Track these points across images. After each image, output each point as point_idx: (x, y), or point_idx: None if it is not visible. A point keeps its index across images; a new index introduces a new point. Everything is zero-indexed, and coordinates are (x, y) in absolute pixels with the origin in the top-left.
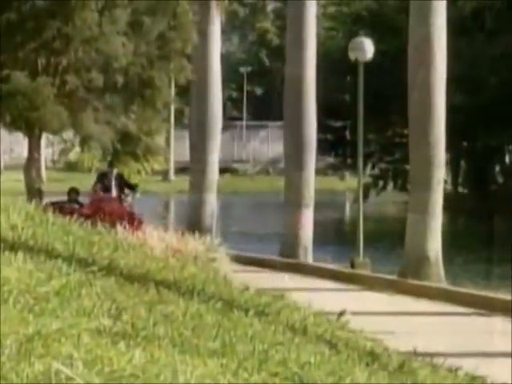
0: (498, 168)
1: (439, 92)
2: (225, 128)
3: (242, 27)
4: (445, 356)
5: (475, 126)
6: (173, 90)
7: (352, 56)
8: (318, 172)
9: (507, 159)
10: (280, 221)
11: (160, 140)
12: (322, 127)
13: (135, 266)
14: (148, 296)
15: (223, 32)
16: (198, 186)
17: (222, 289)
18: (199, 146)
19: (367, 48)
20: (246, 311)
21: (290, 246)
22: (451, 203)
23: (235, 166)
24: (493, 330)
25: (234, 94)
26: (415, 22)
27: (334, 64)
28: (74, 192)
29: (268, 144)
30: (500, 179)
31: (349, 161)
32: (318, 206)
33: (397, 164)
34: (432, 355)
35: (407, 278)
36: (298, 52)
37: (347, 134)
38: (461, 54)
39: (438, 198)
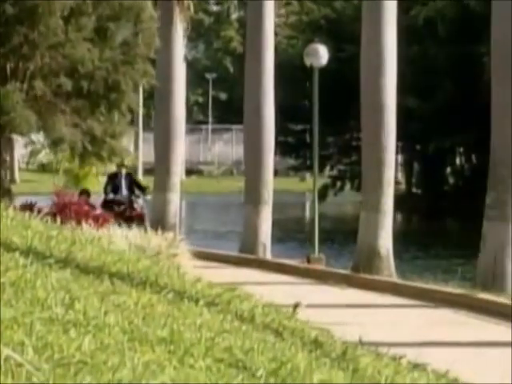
0: (449, 169)
1: (390, 97)
2: (191, 131)
3: (208, 35)
4: (391, 345)
5: (428, 130)
6: (141, 94)
7: (307, 62)
8: (280, 173)
9: (458, 161)
10: (241, 219)
11: (126, 142)
12: (283, 130)
13: (91, 259)
14: (102, 287)
15: (190, 39)
16: (162, 186)
17: (175, 281)
18: (163, 148)
19: (322, 54)
20: (197, 301)
21: (249, 242)
22: (405, 203)
23: (201, 167)
24: (438, 321)
25: (200, 99)
26: (367, 30)
27: (295, 70)
28: (84, 194)
29: (232, 146)
30: (451, 180)
31: (308, 162)
32: (280, 206)
33: (354, 166)
34: (379, 345)
35: (359, 272)
36: (256, 61)
37: (307, 136)
38: (415, 60)
39: (389, 197)
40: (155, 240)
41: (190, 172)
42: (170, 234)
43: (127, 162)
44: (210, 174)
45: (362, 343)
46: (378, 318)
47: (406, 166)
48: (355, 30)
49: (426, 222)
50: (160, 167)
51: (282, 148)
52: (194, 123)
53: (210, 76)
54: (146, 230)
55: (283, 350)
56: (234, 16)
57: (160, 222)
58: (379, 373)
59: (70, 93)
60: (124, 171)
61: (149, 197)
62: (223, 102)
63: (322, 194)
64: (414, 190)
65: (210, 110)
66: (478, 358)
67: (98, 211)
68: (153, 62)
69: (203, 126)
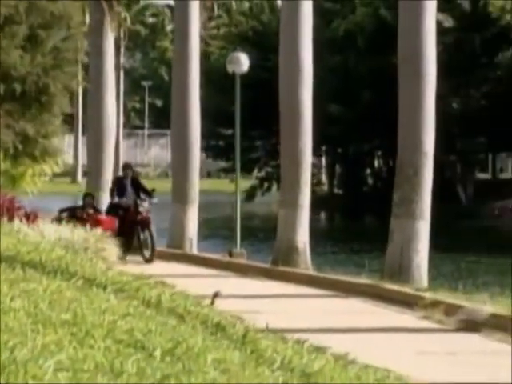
0: (368, 171)
1: (306, 103)
2: (128, 136)
3: (144, 45)
4: (301, 331)
5: (349, 134)
6: (80, 99)
7: (230, 69)
8: (213, 175)
9: (376, 164)
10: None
11: (64, 144)
12: (215, 135)
13: (6, 249)
14: (13, 274)
15: (127, 49)
16: (95, 186)
17: (86, 269)
18: (95, 151)
19: (243, 62)
20: (105, 288)
21: (176, 238)
22: (328, 203)
23: (138, 169)
24: (346, 310)
25: (137, 105)
26: (284, 42)
27: (225, 78)
28: (89, 197)
29: (167, 150)
30: (370, 181)
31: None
32: (210, 206)
33: (280, 168)
34: (289, 331)
35: (278, 265)
36: (182, 69)
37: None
38: (337, 70)
39: (306, 196)
40: (84, 235)
41: None
42: (99, 230)
43: (60, 162)
44: (147, 175)
45: (268, 329)
46: (291, 306)
47: (329, 168)
48: (279, 41)
49: (346, 220)
50: (93, 169)
51: (213, 151)
52: (132, 128)
53: (146, 83)
54: (151, 233)
55: (183, 332)
56: (169, 28)
57: None
58: (277, 353)
59: (3, 96)
60: (130, 174)
61: (155, 200)
62: (159, 108)
63: (251, 195)
64: (336, 190)
65: (146, 116)
66: (379, 343)
67: (103, 215)
68: (83, 65)
69: (140, 131)
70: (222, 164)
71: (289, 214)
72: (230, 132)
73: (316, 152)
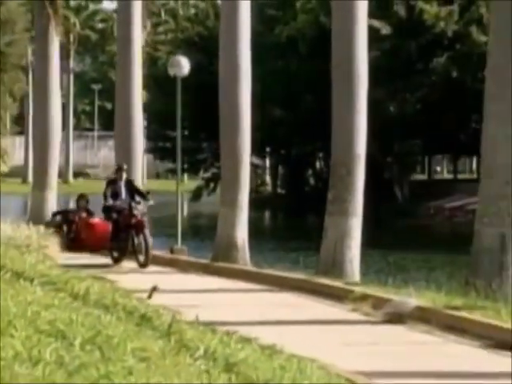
0: (310, 172)
1: (245, 105)
2: (79, 137)
3: (94, 50)
4: (234, 324)
5: (292, 136)
6: (30, 102)
7: (171, 72)
8: (161, 176)
9: (318, 165)
10: None
11: (5, 143)
12: (162, 137)
13: None
14: None
15: (77, 54)
16: (40, 185)
17: (16, 262)
18: (40, 151)
19: (184, 65)
20: (32, 281)
21: None
22: (271, 202)
23: (88, 170)
24: (279, 303)
25: (88, 108)
26: (224, 48)
27: (172, 82)
28: (83, 199)
29: None
30: (312, 182)
31: (186, 166)
32: (158, 205)
33: None
34: (223, 323)
35: (218, 261)
36: (125, 72)
37: (182, 142)
38: (279, 74)
39: (245, 195)
40: (27, 232)
41: (77, 174)
42: (41, 228)
43: (8, 161)
44: (96, 176)
45: (198, 321)
46: (226, 300)
47: (273, 169)
48: None
49: (289, 219)
50: (38, 169)
51: (161, 153)
52: (82, 130)
53: (96, 87)
54: (145, 237)
55: (106, 323)
56: None
57: (37, 218)
58: (202, 343)
59: None
60: (124, 176)
61: (151, 202)
62: (109, 111)
63: (197, 195)
64: (280, 190)
65: (96, 118)
66: (307, 335)
67: (96, 219)
68: (23, 69)
69: (90, 133)
70: (170, 165)
71: (228, 211)
72: (176, 134)
73: (260, 153)
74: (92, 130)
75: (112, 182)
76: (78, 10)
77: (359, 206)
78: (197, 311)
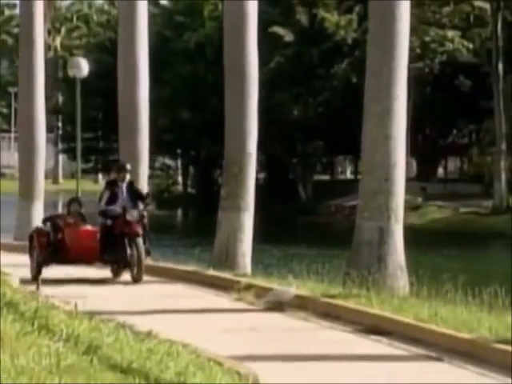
0: (218, 172)
1: (143, 106)
2: None
3: (10, 54)
4: (121, 313)
5: (200, 138)
6: None
7: (71, 73)
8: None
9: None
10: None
11: None
12: (74, 137)
13: None
14: None
15: None
16: None
17: None
18: None
19: (83, 66)
20: None
21: (21, 232)
22: (182, 201)
23: (4, 170)
24: (169, 294)
25: (4, 110)
26: (123, 49)
27: (84, 85)
28: (75, 203)
29: None
30: (220, 181)
31: (99, 166)
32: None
33: None
34: (108, 313)
35: None
36: (28, 74)
37: (95, 143)
38: (188, 79)
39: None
40: None
41: None
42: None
43: None
44: (12, 176)
45: (77, 309)
46: (117, 291)
47: (184, 170)
48: None
49: (197, 216)
50: None
51: (73, 153)
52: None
53: (12, 90)
54: (137, 247)
55: None
56: None
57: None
58: (68, 327)
59: None
60: (126, 178)
61: (150, 207)
62: None
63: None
64: (190, 190)
65: (12, 120)
66: (189, 322)
67: (88, 226)
68: None
69: (7, 134)
70: (83, 166)
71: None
72: (89, 135)
73: (172, 155)
74: (9, 131)
75: (111, 184)
76: None
77: (251, 201)
78: (85, 301)
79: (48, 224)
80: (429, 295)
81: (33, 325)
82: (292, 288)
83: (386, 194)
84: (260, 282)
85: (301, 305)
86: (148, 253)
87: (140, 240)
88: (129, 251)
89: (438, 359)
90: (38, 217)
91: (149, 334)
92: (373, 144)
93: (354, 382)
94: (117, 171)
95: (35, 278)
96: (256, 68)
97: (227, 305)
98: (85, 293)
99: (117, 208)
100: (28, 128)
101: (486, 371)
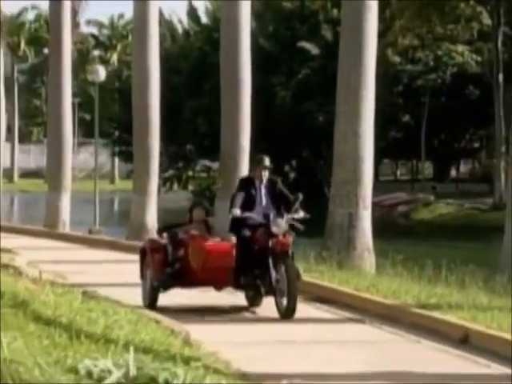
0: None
1: (154, 108)
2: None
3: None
4: (100, 286)
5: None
6: (16, 113)
7: (90, 78)
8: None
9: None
10: None
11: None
12: (122, 141)
13: None
14: None
15: None
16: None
17: None
18: None
19: (101, 73)
20: None
21: (51, 220)
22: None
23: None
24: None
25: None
26: (137, 56)
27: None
28: (198, 208)
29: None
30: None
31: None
32: (123, 201)
33: (181, 171)
34: (82, 285)
35: (130, 240)
36: (58, 78)
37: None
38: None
39: (154, 184)
40: None
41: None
42: None
43: None
44: (74, 177)
45: (41, 278)
46: (108, 268)
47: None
48: None
49: None
50: None
51: (126, 156)
52: None
53: (75, 100)
54: (287, 270)
55: None
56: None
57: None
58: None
59: None
60: (266, 175)
61: (301, 214)
62: (87, 122)
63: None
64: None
65: (76, 128)
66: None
67: (217, 239)
68: None
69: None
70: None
71: (140, 199)
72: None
73: (212, 157)
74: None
75: (245, 183)
76: None
77: None
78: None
79: (165, 235)
80: (387, 274)
81: None
82: None
83: (354, 183)
84: None
85: None
86: (298, 276)
87: (290, 259)
88: (273, 274)
89: (361, 321)
90: (66, 206)
91: (95, 296)
92: (343, 139)
93: (278, 339)
94: (256, 164)
95: (151, 306)
96: (249, 73)
97: None
98: (76, 269)
99: (256, 216)
100: (57, 138)
101: (399, 330)
